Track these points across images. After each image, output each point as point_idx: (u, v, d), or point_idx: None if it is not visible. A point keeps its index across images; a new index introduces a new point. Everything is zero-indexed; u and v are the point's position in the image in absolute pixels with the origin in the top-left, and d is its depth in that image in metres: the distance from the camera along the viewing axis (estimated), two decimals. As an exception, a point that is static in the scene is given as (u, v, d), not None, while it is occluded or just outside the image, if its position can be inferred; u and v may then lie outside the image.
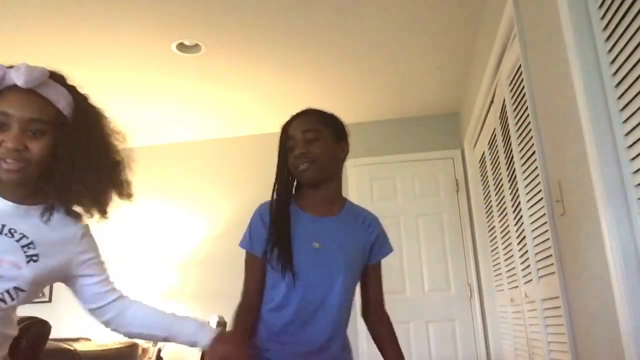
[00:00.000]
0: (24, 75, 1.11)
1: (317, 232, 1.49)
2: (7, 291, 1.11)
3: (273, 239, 1.45)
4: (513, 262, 2.77)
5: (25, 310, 4.63)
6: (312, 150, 1.49)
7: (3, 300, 1.11)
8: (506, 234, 2.91)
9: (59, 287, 5.15)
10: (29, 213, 1.19)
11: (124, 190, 1.30)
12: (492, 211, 3.32)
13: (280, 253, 1.43)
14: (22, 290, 1.14)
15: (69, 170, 1.19)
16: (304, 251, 1.45)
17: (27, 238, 1.16)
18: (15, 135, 1.11)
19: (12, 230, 1.15)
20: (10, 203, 1.17)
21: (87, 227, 1.30)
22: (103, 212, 1.27)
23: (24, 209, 1.19)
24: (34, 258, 1.16)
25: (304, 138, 1.50)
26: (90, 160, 1.23)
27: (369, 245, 1.57)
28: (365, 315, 1.62)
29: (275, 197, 1.52)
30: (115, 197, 1.29)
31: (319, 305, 1.45)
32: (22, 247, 1.15)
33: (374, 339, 1.62)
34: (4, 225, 1.14)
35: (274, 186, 1.55)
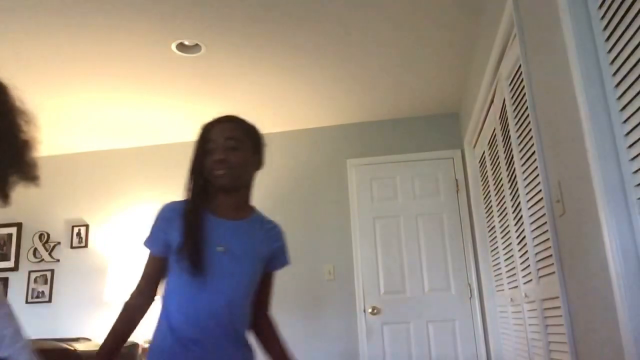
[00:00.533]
0: None
1: (224, 235, 1.50)
2: None
3: (185, 240, 1.44)
4: (513, 262, 2.77)
5: (25, 310, 4.65)
6: (231, 158, 1.51)
7: None
8: (506, 234, 2.91)
9: (59, 287, 5.15)
10: None
11: (30, 173, 1.18)
12: (492, 211, 3.32)
13: (192, 255, 1.43)
14: None
15: None
16: (211, 254, 1.46)
17: None
18: None
19: None
20: None
21: None
22: (5, 196, 1.15)
23: None
24: None
25: (225, 144, 1.52)
26: (7, 136, 1.13)
27: (270, 254, 1.60)
28: (253, 320, 1.62)
29: (190, 197, 1.53)
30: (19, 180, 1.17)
31: (223, 309, 1.45)
32: None
33: (259, 341, 1.63)
34: None
35: (189, 185, 1.55)
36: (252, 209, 1.62)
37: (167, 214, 1.51)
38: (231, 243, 1.50)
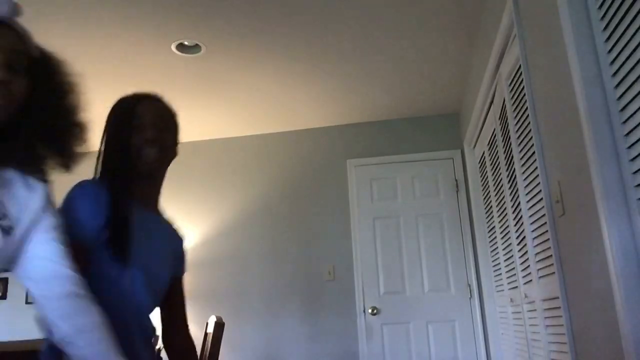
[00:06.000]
0: (7, 4, 0.98)
1: (143, 226, 1.31)
2: None
3: (115, 235, 1.22)
4: (513, 262, 2.77)
5: (25, 311, 4.64)
6: (166, 138, 1.34)
7: None
8: (506, 234, 2.91)
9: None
10: None
11: (64, 157, 1.11)
12: (492, 211, 3.32)
13: (121, 244, 1.22)
14: None
15: (41, 122, 1.05)
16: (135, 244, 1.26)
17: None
18: (1, 67, 0.95)
19: None
20: None
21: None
22: (39, 173, 1.09)
23: None
24: (8, 230, 1.02)
25: (157, 123, 1.33)
26: (62, 112, 1.09)
27: (179, 255, 1.46)
28: (169, 336, 1.44)
29: (115, 182, 1.29)
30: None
31: (141, 305, 1.28)
32: None
33: (169, 355, 1.43)
34: None
35: (109, 166, 1.32)
36: (159, 204, 1.44)
37: (96, 197, 1.24)
38: (150, 236, 1.33)
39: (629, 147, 1.34)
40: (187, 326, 1.47)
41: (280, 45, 3.08)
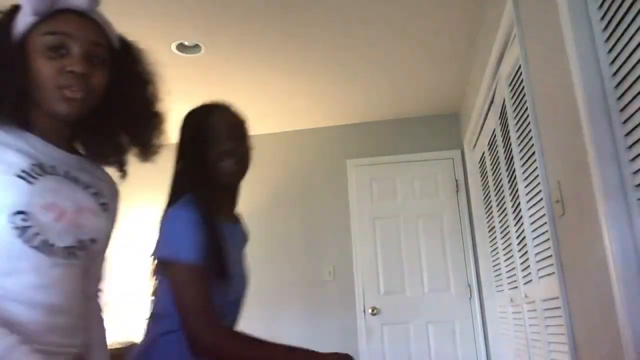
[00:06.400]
0: None
1: (229, 239, 1.29)
2: (82, 241, 0.98)
3: (212, 251, 1.20)
4: (513, 262, 2.77)
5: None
6: (242, 148, 1.32)
7: (74, 254, 0.96)
8: (506, 234, 2.91)
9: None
10: (82, 166, 1.04)
11: (146, 145, 1.10)
12: (492, 211, 3.32)
13: (218, 263, 1.21)
14: (96, 242, 1.02)
15: (121, 113, 1.05)
16: (233, 263, 1.28)
17: (92, 187, 1.02)
18: (80, 59, 0.95)
19: (75, 178, 1.00)
20: (62, 151, 1.00)
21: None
22: (147, 157, 1.10)
23: (75, 159, 1.03)
24: (105, 207, 1.04)
25: (231, 134, 1.32)
26: (142, 102, 1.09)
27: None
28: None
29: (201, 197, 1.26)
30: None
31: (234, 319, 1.34)
32: (93, 194, 1.02)
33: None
34: (67, 172, 0.99)
35: (189, 181, 1.30)
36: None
37: (196, 218, 1.22)
38: (236, 249, 1.36)
39: (629, 147, 1.34)
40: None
41: (280, 45, 3.08)
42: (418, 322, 3.82)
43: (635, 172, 1.32)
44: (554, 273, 1.94)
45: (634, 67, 1.27)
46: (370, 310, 3.87)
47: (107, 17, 1.09)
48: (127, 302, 3.83)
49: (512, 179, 2.59)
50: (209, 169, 1.29)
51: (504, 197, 2.86)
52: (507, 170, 2.72)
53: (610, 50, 1.40)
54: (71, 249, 0.95)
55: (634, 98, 1.28)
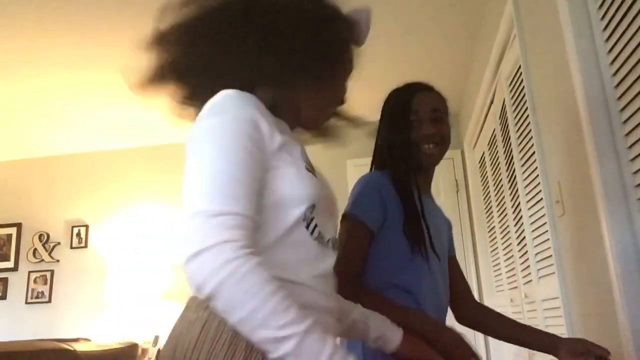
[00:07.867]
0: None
1: (428, 213, 1.36)
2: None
3: (412, 222, 1.28)
4: (513, 262, 2.77)
5: (25, 311, 4.62)
6: (443, 130, 1.37)
7: (334, 247, 1.00)
8: (506, 234, 2.91)
9: (59, 288, 5.12)
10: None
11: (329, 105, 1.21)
12: (492, 211, 3.32)
13: (416, 232, 1.28)
14: None
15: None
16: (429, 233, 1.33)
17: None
18: None
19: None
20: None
21: None
22: (309, 123, 1.21)
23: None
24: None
25: (433, 116, 1.37)
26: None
27: (450, 236, 1.52)
28: (462, 310, 1.49)
29: (400, 171, 1.36)
30: None
31: (442, 291, 1.35)
32: None
33: (476, 326, 1.48)
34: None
35: (389, 158, 1.41)
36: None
37: (381, 188, 1.34)
38: (433, 222, 1.38)
39: (629, 147, 1.34)
40: (474, 298, 1.52)
41: (280, 45, 3.08)
42: (418, 322, 3.82)
43: (635, 172, 1.32)
44: (554, 273, 1.94)
45: (634, 67, 1.27)
46: (370, 311, 3.86)
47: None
48: (130, 303, 3.83)
49: (512, 179, 2.59)
50: (411, 149, 1.36)
51: (504, 197, 2.86)
52: (507, 170, 2.71)
53: (610, 50, 1.40)
54: (334, 241, 1.00)
55: (634, 98, 1.28)
